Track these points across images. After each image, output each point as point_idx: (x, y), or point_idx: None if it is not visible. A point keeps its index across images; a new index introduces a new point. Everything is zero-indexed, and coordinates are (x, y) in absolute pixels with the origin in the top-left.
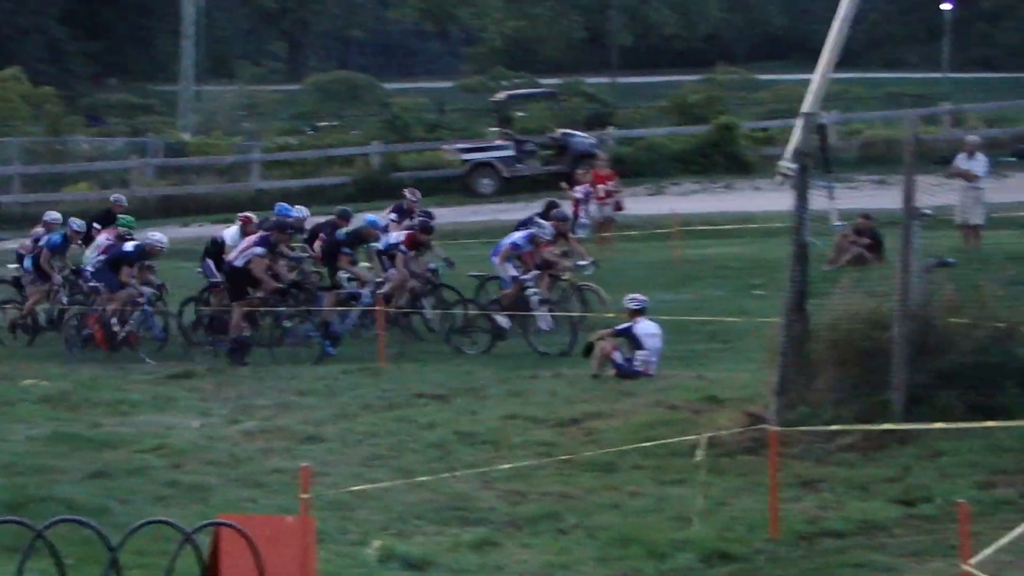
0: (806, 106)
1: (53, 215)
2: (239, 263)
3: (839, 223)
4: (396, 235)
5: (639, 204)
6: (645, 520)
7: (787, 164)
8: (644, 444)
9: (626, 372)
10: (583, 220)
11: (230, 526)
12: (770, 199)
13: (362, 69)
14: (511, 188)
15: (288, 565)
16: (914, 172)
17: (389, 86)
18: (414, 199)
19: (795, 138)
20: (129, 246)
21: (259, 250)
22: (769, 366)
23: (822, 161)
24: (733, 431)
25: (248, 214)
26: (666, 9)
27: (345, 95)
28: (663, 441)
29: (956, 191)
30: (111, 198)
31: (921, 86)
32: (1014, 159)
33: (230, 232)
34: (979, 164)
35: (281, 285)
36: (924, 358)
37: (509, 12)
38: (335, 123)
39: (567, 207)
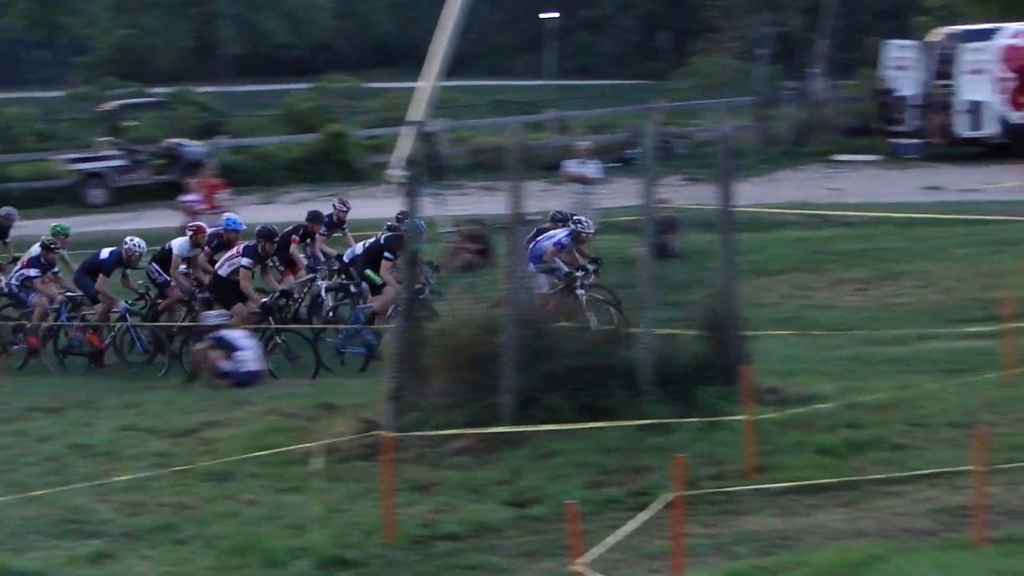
0: (415, 114)
1: None
2: (223, 272)
3: (450, 229)
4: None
5: (250, 213)
6: (262, 528)
7: (397, 171)
8: (260, 453)
9: (238, 377)
10: None
11: None
12: (382, 206)
13: None
14: (122, 198)
15: None
16: (520, 178)
17: None
18: (344, 209)
19: (404, 146)
20: (105, 253)
21: (246, 261)
22: (383, 372)
23: (432, 168)
24: (348, 438)
25: (200, 223)
26: (276, 18)
27: None
28: (279, 449)
29: (568, 196)
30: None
31: (527, 93)
32: (619, 164)
33: (179, 243)
34: (592, 168)
35: (267, 299)
36: (533, 361)
37: (118, 21)
38: None
39: (182, 217)
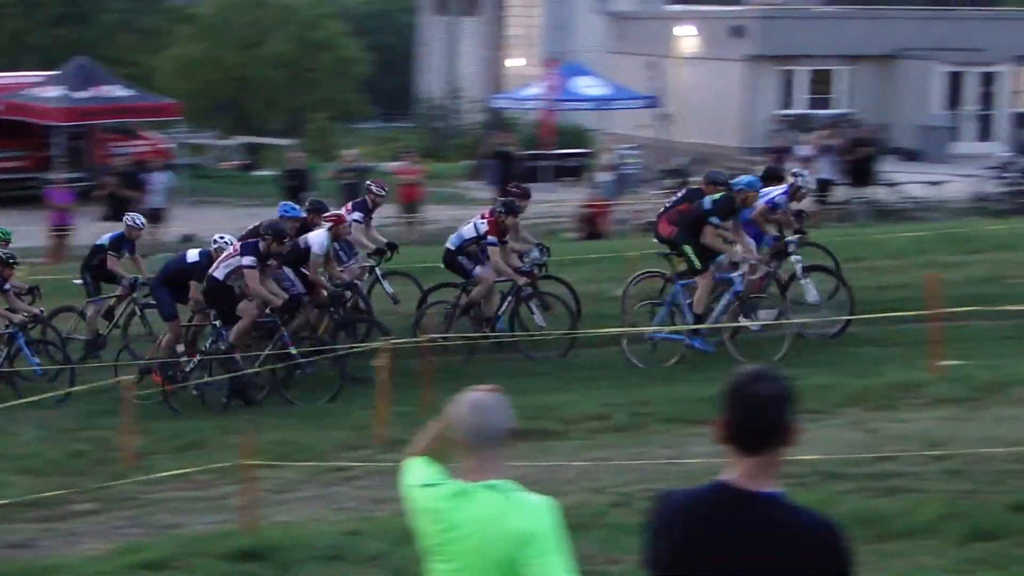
0: None
1: None
2: (219, 274)
3: None
4: (468, 229)
5: None
6: None
7: None
8: None
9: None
10: None
11: None
12: None
13: None
14: None
15: None
16: None
17: None
18: (382, 193)
19: None
20: (192, 255)
21: (248, 260)
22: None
23: None
24: None
25: (341, 212)
26: None
27: None
28: None
29: None
30: None
31: None
32: None
33: (317, 237)
34: None
35: (284, 300)
36: None
37: None
38: None
39: None
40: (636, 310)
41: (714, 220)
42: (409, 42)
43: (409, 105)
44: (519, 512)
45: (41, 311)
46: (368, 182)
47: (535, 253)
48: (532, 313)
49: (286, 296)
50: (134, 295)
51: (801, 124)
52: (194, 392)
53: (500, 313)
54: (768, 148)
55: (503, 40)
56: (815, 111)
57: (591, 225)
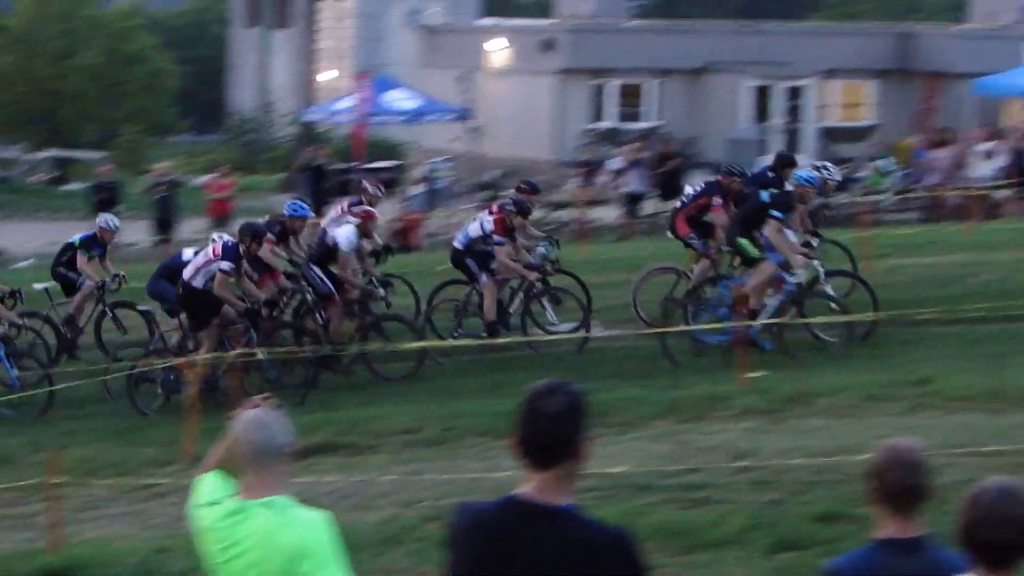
0: None
1: None
2: (199, 283)
3: None
4: (475, 227)
5: None
6: None
7: None
8: None
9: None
10: None
11: None
12: None
13: None
14: None
15: None
16: None
17: None
18: (378, 194)
19: None
20: (188, 254)
21: (225, 265)
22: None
23: None
24: None
25: (369, 208)
26: None
27: None
28: None
29: None
30: None
31: None
32: None
33: (344, 234)
34: None
35: (249, 305)
36: None
37: None
38: None
39: None
40: (669, 313)
41: (776, 214)
42: (221, 55)
43: (221, 118)
44: (294, 527)
45: (22, 319)
46: (363, 181)
47: (541, 249)
48: (544, 309)
49: (262, 297)
50: (103, 297)
51: (611, 137)
52: (159, 391)
53: (511, 311)
54: (579, 161)
55: (315, 53)
56: (625, 124)
57: (402, 238)
